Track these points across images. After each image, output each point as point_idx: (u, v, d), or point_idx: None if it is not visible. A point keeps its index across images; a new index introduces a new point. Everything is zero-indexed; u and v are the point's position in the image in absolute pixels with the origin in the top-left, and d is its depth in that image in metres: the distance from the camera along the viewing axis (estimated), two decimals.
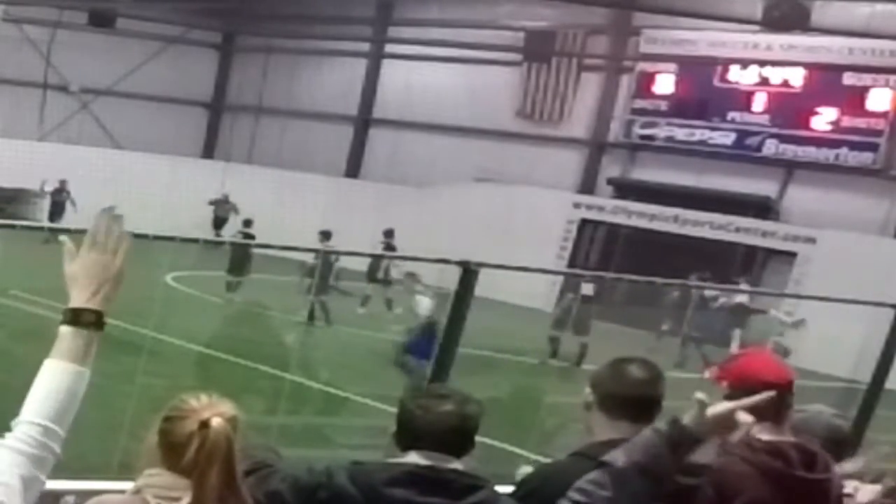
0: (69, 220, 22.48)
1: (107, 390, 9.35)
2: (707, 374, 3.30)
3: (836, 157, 21.42)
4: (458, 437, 2.71)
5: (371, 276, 19.55)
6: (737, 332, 18.02)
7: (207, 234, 23.52)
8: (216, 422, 2.39)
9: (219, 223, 25.55)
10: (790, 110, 21.92)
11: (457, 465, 2.70)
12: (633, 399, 2.91)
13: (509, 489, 2.97)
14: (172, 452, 2.39)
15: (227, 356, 12.89)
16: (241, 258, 18.12)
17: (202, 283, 19.05)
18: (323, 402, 11.51)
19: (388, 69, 28.50)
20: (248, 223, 20.99)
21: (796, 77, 21.99)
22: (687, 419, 2.60)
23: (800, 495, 3.10)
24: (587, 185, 24.90)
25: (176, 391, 2.51)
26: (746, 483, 3.02)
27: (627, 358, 3.03)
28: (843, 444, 3.61)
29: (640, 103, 24.08)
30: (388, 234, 21.32)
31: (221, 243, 20.11)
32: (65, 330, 2.31)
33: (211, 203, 26.03)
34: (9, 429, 2.26)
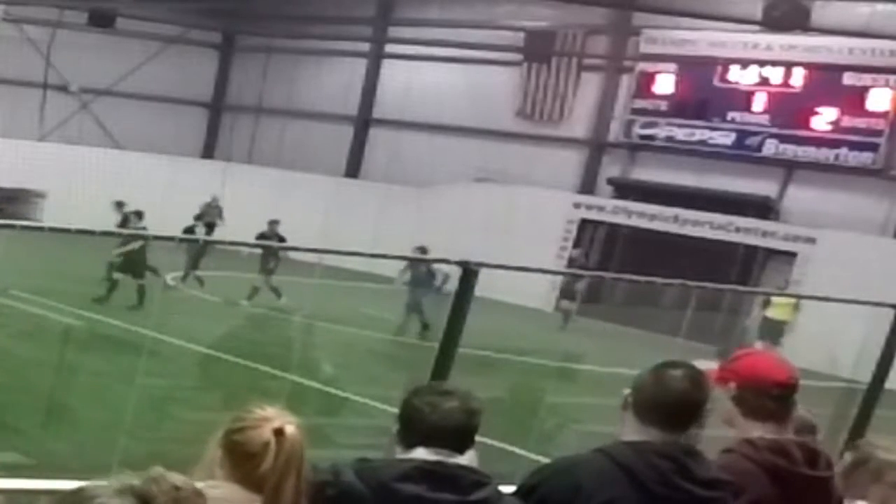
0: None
1: (107, 390, 9.37)
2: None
3: (836, 157, 21.42)
4: (464, 434, 2.73)
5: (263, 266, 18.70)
6: (758, 345, 17.71)
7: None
8: (290, 429, 2.41)
9: (206, 230, 23.48)
10: (790, 110, 21.91)
11: (462, 460, 2.71)
12: (668, 407, 2.89)
13: (510, 489, 2.98)
14: (247, 463, 2.39)
15: (227, 356, 12.89)
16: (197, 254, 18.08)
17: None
18: (323, 402, 11.51)
19: (388, 69, 28.50)
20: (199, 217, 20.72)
21: (796, 77, 21.98)
22: None
23: (803, 493, 3.11)
24: (587, 185, 24.90)
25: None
26: (750, 481, 3.02)
27: (673, 364, 2.98)
28: (814, 432, 3.69)
29: (640, 103, 24.08)
30: (274, 223, 20.03)
31: (223, 243, 20.10)
32: None
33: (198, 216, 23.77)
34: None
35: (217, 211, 24.44)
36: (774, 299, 17.91)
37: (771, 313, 18.12)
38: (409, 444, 2.74)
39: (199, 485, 2.44)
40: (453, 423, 2.71)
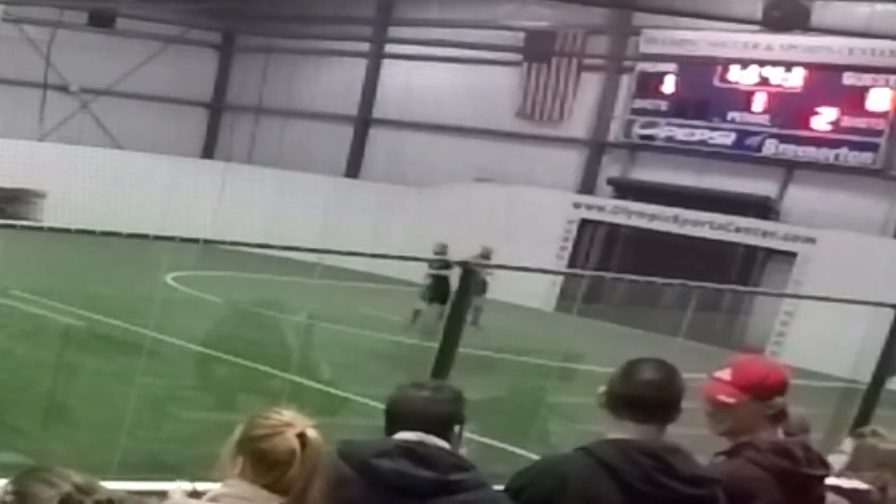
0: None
1: (107, 390, 9.37)
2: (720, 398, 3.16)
3: (836, 157, 21.42)
4: (430, 420, 2.79)
5: None
6: None
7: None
8: (311, 433, 2.46)
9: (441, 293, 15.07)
10: (790, 110, 21.92)
11: (442, 443, 2.77)
12: (636, 400, 2.91)
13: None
14: (274, 471, 2.42)
15: (227, 356, 12.89)
16: None
17: (202, 283, 19.06)
18: (323, 402, 11.52)
19: (388, 69, 28.50)
20: None
21: (796, 77, 21.99)
22: None
23: (805, 492, 3.13)
24: (587, 185, 24.91)
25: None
26: (758, 486, 3.02)
27: (642, 359, 3.01)
28: (807, 430, 3.75)
29: (640, 103, 24.08)
30: None
31: (223, 243, 20.06)
32: None
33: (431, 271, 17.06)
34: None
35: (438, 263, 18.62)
36: None
37: None
38: (389, 433, 2.83)
39: (218, 484, 2.47)
40: (415, 407, 2.80)
